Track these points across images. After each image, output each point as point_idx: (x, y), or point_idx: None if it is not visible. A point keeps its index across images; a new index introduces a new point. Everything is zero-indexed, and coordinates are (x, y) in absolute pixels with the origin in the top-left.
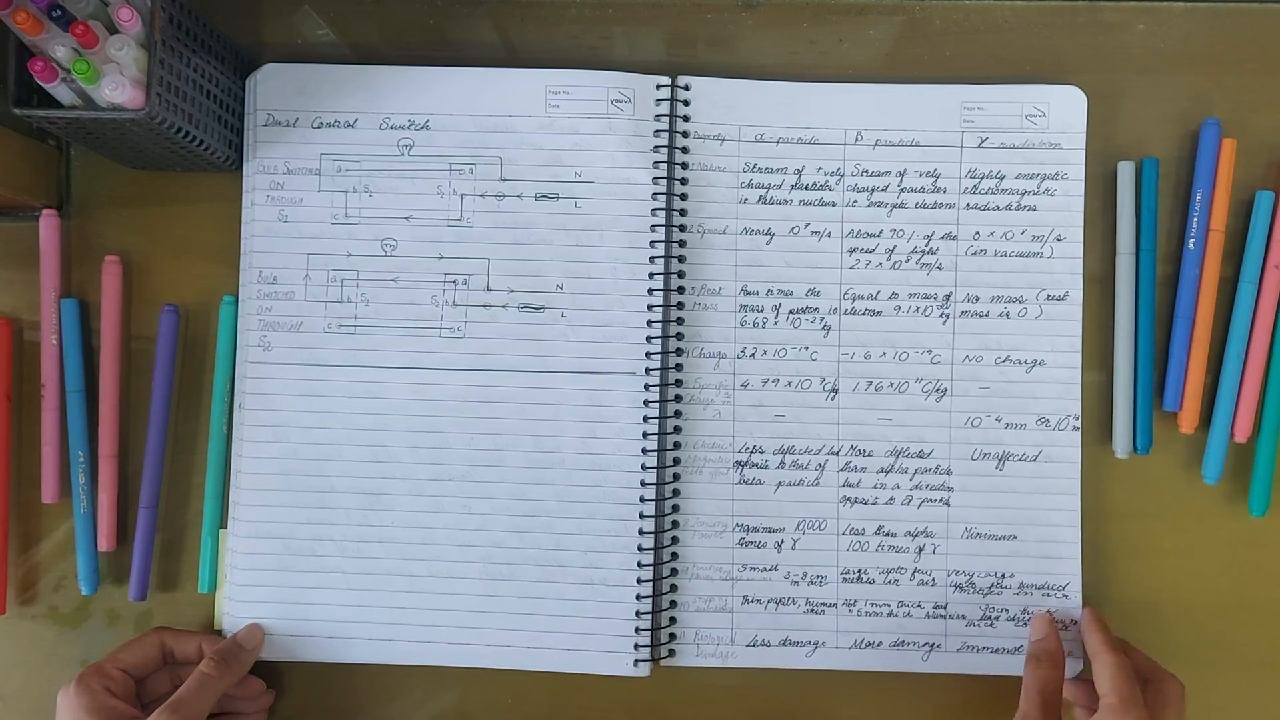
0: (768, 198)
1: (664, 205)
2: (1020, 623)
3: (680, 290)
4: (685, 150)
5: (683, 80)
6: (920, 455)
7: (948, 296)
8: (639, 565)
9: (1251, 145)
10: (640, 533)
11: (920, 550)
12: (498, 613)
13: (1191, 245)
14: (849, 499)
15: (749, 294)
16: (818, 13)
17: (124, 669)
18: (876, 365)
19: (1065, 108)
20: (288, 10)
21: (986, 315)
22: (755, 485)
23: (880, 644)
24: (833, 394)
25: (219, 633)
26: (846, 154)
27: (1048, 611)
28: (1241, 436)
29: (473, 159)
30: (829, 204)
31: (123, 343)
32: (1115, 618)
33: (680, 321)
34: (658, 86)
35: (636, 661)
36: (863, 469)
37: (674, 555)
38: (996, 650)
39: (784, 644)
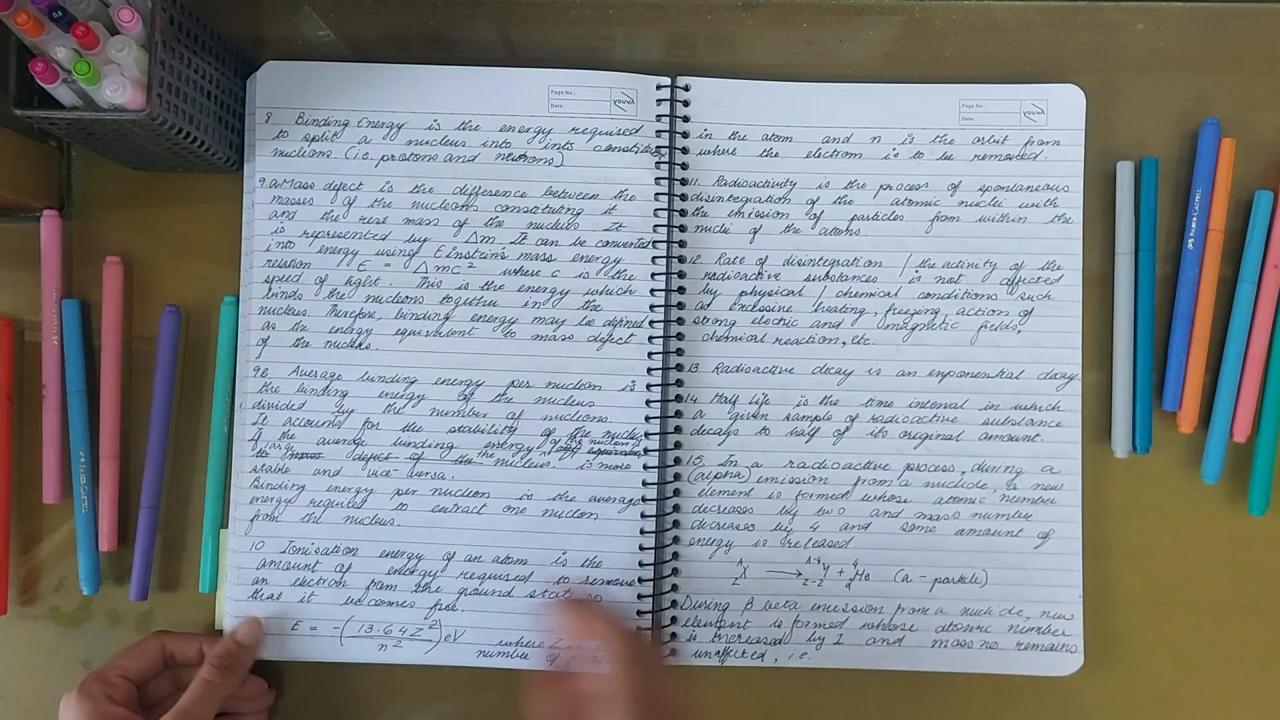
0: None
1: (665, 205)
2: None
3: (681, 290)
4: (685, 150)
5: (683, 81)
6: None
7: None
8: (640, 565)
9: (1251, 145)
10: (641, 532)
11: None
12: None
13: (1191, 245)
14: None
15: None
16: (818, 13)
17: (125, 675)
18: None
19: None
20: (288, 10)
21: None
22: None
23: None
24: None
25: (220, 633)
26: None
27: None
28: (1241, 436)
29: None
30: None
31: (124, 343)
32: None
33: (681, 322)
34: (658, 87)
35: None
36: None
37: (674, 555)
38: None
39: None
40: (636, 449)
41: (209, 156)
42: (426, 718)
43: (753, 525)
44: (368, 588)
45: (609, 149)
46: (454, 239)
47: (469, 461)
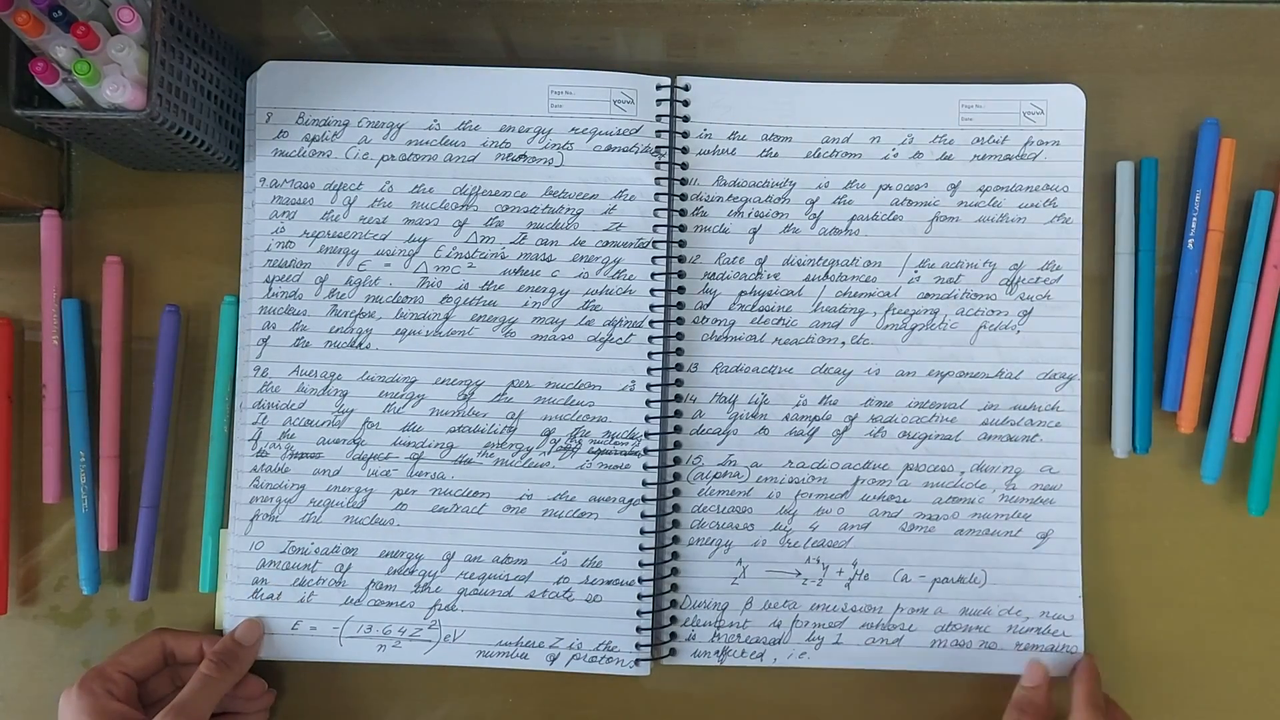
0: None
1: (665, 205)
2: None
3: (681, 290)
4: (685, 150)
5: (682, 81)
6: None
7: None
8: (640, 565)
9: (1251, 145)
10: (641, 532)
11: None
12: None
13: (1190, 245)
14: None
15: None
16: (817, 13)
17: (125, 671)
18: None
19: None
20: (288, 10)
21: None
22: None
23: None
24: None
25: (219, 633)
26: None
27: (1043, 663)
28: (1240, 436)
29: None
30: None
31: (124, 343)
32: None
33: (680, 322)
34: (658, 87)
35: (637, 660)
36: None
37: (674, 555)
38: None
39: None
40: (636, 449)
41: (209, 156)
42: (425, 718)
43: (752, 525)
44: (367, 588)
45: (609, 149)
46: (454, 239)
47: (469, 461)
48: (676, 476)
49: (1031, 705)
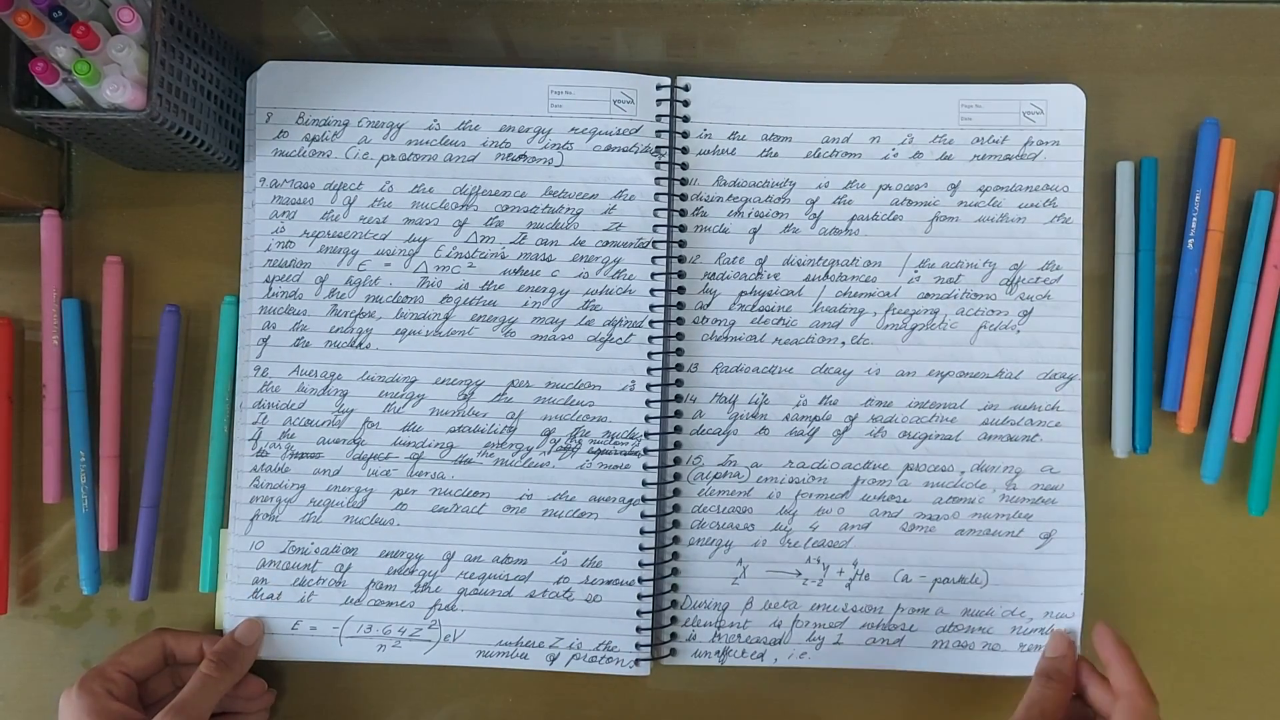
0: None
1: (665, 205)
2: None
3: (681, 290)
4: (685, 150)
5: (682, 81)
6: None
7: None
8: (640, 565)
9: (1251, 145)
10: (641, 532)
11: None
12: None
13: (1190, 245)
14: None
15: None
16: (817, 13)
17: (125, 671)
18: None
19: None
20: (288, 10)
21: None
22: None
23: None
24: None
25: (220, 632)
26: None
27: (1067, 631)
28: (1240, 436)
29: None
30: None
31: (124, 343)
32: (1115, 617)
33: (680, 322)
34: (658, 87)
35: (637, 660)
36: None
37: (674, 555)
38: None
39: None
40: (636, 449)
41: (209, 156)
42: (425, 718)
43: (752, 525)
44: (367, 588)
45: (609, 149)
46: (454, 239)
47: (469, 461)
48: (676, 476)
49: (1059, 673)
